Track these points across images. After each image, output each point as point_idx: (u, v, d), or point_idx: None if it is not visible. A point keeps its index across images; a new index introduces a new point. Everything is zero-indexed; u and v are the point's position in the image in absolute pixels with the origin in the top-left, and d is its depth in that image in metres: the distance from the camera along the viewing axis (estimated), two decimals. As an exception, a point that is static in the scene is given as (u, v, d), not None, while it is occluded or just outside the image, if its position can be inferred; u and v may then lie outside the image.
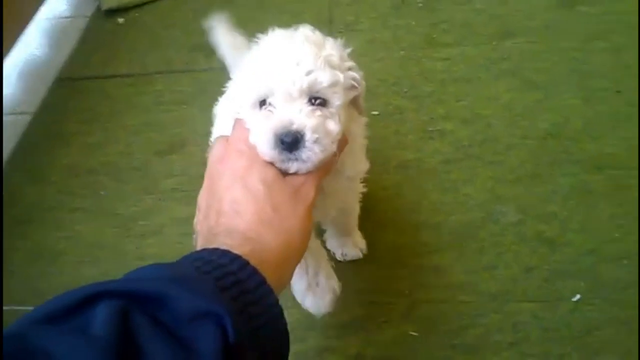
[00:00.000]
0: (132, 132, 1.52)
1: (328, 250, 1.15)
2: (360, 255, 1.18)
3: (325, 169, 0.69)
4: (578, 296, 1.07)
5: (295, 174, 0.66)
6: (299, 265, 0.86)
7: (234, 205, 0.60)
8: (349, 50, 0.77)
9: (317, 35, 0.74)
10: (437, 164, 1.31)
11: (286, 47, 0.69)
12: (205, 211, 0.64)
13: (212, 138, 1.12)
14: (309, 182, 0.66)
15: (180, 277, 0.45)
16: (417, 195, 1.26)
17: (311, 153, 0.66)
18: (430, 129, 1.38)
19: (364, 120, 0.86)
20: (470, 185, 1.26)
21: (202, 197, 0.67)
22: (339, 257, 1.17)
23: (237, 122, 0.71)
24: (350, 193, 0.99)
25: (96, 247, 1.28)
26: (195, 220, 0.68)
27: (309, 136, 0.66)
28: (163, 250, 1.27)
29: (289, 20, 1.70)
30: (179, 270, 0.48)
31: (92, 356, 0.36)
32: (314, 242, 0.93)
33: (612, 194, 1.20)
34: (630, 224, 1.15)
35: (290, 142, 0.65)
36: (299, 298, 0.93)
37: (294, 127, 0.66)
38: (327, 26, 1.68)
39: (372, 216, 1.05)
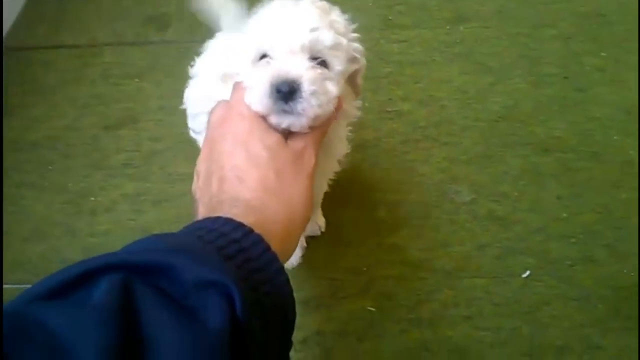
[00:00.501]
0: (79, 106, 1.46)
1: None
2: (319, 233, 1.18)
3: (322, 131, 0.67)
4: (528, 272, 1.12)
5: (293, 135, 0.64)
6: None
7: (236, 171, 0.58)
8: (354, 26, 0.76)
9: (323, 3, 0.73)
10: (396, 144, 1.32)
11: (291, 8, 0.68)
12: (205, 177, 0.61)
13: (185, 99, 1.10)
14: (309, 147, 0.64)
15: (183, 247, 0.44)
16: (376, 174, 1.28)
17: (307, 105, 0.64)
18: (389, 109, 1.39)
19: (357, 103, 0.84)
20: (427, 165, 1.29)
21: (202, 163, 0.64)
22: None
23: (237, 84, 0.68)
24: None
25: (45, 224, 1.23)
26: (194, 186, 0.65)
27: (305, 87, 0.64)
28: (115, 227, 1.23)
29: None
30: (181, 240, 0.46)
31: (92, 327, 0.35)
32: None
33: (560, 175, 1.25)
34: (577, 205, 1.20)
35: (286, 91, 0.63)
36: None
37: (291, 75, 0.64)
38: (284, 3, 1.65)
39: (332, 194, 1.04)
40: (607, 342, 1.03)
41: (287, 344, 0.51)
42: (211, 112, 0.67)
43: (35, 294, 0.38)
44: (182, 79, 1.45)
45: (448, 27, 1.56)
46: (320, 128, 0.67)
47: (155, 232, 1.17)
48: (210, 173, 0.60)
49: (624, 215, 1.18)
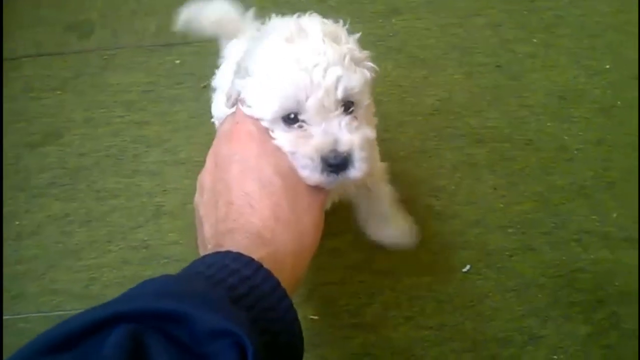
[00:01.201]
0: (-1, 124, 1.38)
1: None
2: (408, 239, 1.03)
3: None
4: (468, 266, 1.11)
5: None
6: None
7: (247, 198, 0.55)
8: (357, 36, 0.70)
9: (330, 25, 0.67)
10: (331, 144, 1.30)
11: (305, 47, 0.62)
12: (211, 195, 0.58)
13: (213, 113, 1.02)
14: None
15: (194, 292, 0.43)
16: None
17: (360, 172, 0.62)
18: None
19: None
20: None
21: (206, 177, 0.61)
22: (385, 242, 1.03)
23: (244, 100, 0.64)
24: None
25: (-36, 252, 1.16)
26: (196, 199, 0.62)
27: (357, 155, 0.61)
28: (42, 251, 1.17)
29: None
30: (192, 284, 0.45)
31: None
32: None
33: (495, 166, 1.25)
34: (513, 195, 1.20)
35: (339, 164, 0.61)
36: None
37: (343, 148, 0.61)
38: (212, 4, 1.60)
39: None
40: (548, 331, 1.04)
41: None
42: (220, 125, 0.65)
43: (39, 347, 0.36)
44: (107, 88, 1.40)
45: (381, 21, 1.54)
46: None
47: (85, 253, 1.13)
48: (217, 193, 0.58)
49: (560, 202, 1.19)
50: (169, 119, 1.34)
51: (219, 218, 0.56)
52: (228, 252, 0.49)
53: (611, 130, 1.30)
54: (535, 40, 1.48)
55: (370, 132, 0.65)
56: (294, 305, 0.48)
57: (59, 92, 1.42)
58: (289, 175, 0.59)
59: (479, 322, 1.05)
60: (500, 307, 1.07)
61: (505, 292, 1.08)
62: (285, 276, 0.49)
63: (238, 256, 0.48)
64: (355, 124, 0.63)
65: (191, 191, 1.19)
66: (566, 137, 1.29)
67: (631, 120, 1.32)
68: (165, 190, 1.23)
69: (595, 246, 1.13)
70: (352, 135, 0.62)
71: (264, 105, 0.62)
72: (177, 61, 1.45)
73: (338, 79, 0.61)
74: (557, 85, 1.38)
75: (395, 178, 1.23)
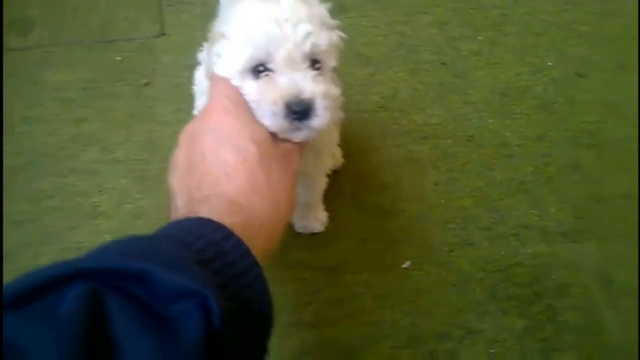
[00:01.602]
0: None
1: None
2: (322, 229, 1.14)
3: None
4: (408, 262, 1.11)
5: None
6: None
7: (222, 166, 0.55)
8: (328, 5, 0.74)
9: None
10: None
11: (278, 6, 0.66)
12: (185, 168, 0.58)
13: (195, 80, 1.02)
14: (296, 149, 0.63)
15: (159, 252, 0.42)
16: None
17: (322, 120, 0.65)
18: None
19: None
20: (307, 161, 1.26)
21: (178, 154, 0.60)
22: (298, 228, 1.13)
23: (217, 78, 0.65)
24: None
25: None
26: (169, 178, 0.61)
27: (320, 104, 0.65)
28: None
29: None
30: (157, 244, 0.44)
31: (56, 342, 0.33)
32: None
33: (437, 162, 1.25)
34: (454, 190, 1.21)
35: (302, 110, 0.64)
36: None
37: (306, 95, 0.64)
38: (157, 1, 1.57)
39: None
40: (485, 326, 1.04)
41: (264, 349, 0.50)
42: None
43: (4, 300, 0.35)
44: (46, 85, 1.36)
45: (328, 18, 1.54)
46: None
47: (18, 256, 1.09)
48: (192, 165, 0.57)
49: (500, 197, 1.20)
50: (108, 116, 1.31)
51: (193, 187, 0.56)
52: (199, 218, 0.49)
53: (551, 126, 1.32)
54: (480, 38, 1.50)
55: (334, 89, 0.69)
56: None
57: (-7, 91, 1.37)
58: (264, 146, 0.59)
59: (418, 318, 1.05)
60: (439, 302, 1.07)
61: (445, 287, 1.08)
62: (257, 244, 0.49)
63: (208, 222, 0.48)
64: (320, 78, 0.66)
65: (128, 191, 1.18)
66: (507, 134, 1.30)
67: (571, 116, 1.34)
68: (101, 190, 1.19)
69: (533, 241, 1.14)
70: (315, 86, 0.65)
71: (236, 57, 0.66)
72: (119, 58, 1.42)
73: (307, 34, 0.65)
74: (500, 82, 1.40)
75: (341, 175, 1.24)
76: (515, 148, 1.27)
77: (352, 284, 1.09)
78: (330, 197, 1.18)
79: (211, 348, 0.38)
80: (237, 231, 0.48)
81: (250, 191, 0.55)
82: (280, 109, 0.63)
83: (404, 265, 1.11)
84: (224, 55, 0.68)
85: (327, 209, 1.16)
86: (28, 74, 1.39)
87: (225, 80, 0.65)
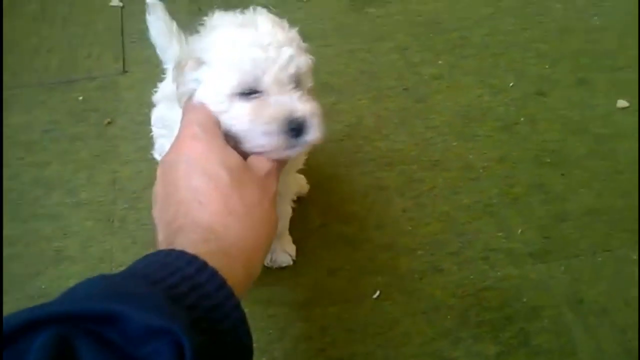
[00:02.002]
0: None
1: None
2: (291, 262, 1.13)
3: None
4: (378, 292, 1.10)
5: (255, 159, 0.64)
6: None
7: (195, 194, 0.54)
8: (296, 28, 0.77)
9: (275, 16, 0.74)
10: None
11: (257, 30, 0.69)
12: (163, 202, 0.57)
13: (152, 122, 1.03)
14: (273, 173, 0.63)
15: (130, 291, 0.41)
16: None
17: (316, 135, 0.69)
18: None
19: None
20: (273, 194, 1.25)
21: (157, 188, 0.60)
22: (267, 263, 1.11)
23: (189, 106, 0.65)
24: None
25: None
26: (153, 213, 0.60)
27: (312, 120, 0.69)
28: None
29: (79, 31, 1.58)
30: (128, 283, 0.43)
31: None
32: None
33: (403, 188, 1.25)
34: (421, 216, 1.21)
35: (297, 128, 0.67)
36: None
37: (299, 113, 0.68)
38: (119, 36, 1.57)
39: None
40: (458, 353, 1.03)
41: None
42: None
43: None
44: (7, 129, 1.35)
45: (291, 48, 1.54)
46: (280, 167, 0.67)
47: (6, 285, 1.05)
48: (167, 196, 0.57)
49: (467, 221, 1.21)
50: (70, 158, 1.29)
51: (170, 219, 0.55)
52: (171, 250, 0.48)
53: (514, 147, 1.33)
54: (440, 62, 1.52)
55: (317, 108, 0.72)
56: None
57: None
58: (236, 170, 0.58)
59: (391, 349, 1.04)
60: (411, 331, 1.06)
61: (416, 316, 1.08)
62: (237, 269, 0.49)
63: (181, 253, 0.47)
64: (304, 98, 0.71)
65: (93, 234, 1.16)
66: (471, 156, 1.31)
67: (533, 135, 1.36)
68: (65, 234, 1.17)
69: (501, 263, 1.14)
70: (305, 105, 0.69)
71: (222, 83, 0.68)
72: (80, 97, 1.41)
73: (291, 57, 0.69)
74: (462, 105, 1.41)
75: (308, 205, 1.23)
76: (480, 170, 1.28)
77: (322, 317, 1.07)
78: (298, 229, 1.18)
79: None
80: (214, 259, 0.47)
81: (225, 217, 0.54)
82: (275, 127, 0.67)
83: (374, 296, 1.10)
84: (206, 82, 0.69)
85: (295, 241, 1.15)
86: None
87: (197, 108, 0.65)
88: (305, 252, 1.16)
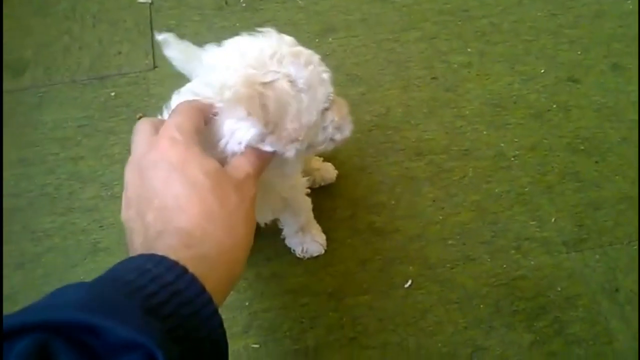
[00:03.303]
0: None
1: (288, 249, 1.15)
2: (322, 251, 1.15)
3: (266, 159, 0.68)
4: (409, 282, 1.10)
5: (234, 164, 0.64)
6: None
7: (175, 200, 0.54)
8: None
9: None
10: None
11: (305, 51, 0.74)
12: (138, 205, 0.57)
13: None
14: (251, 177, 0.62)
15: (106, 302, 0.42)
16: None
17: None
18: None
19: None
20: (302, 185, 1.25)
21: (130, 189, 0.59)
22: (299, 254, 1.14)
23: (182, 107, 0.63)
24: (290, 190, 0.97)
25: None
26: (124, 215, 0.60)
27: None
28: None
29: (109, 29, 1.60)
30: (104, 292, 0.43)
31: None
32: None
33: (433, 178, 1.25)
34: (452, 206, 1.20)
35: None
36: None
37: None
38: (149, 32, 1.59)
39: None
40: (492, 342, 1.03)
41: None
42: (135, 132, 0.62)
43: None
44: (42, 126, 1.38)
45: (317, 40, 1.54)
46: (265, 158, 0.68)
47: (21, 297, 1.09)
48: (144, 200, 0.56)
49: (498, 210, 1.19)
50: (103, 152, 1.32)
51: (148, 224, 0.55)
52: (152, 255, 0.48)
53: (547, 134, 1.31)
54: (469, 50, 1.50)
55: None
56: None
57: (-9, 133, 1.39)
58: (216, 175, 0.57)
59: (423, 338, 1.04)
60: (443, 320, 1.06)
61: (448, 305, 1.07)
62: (218, 272, 0.49)
63: (162, 259, 0.47)
64: None
65: (127, 225, 1.18)
66: (502, 145, 1.29)
67: (566, 122, 1.33)
68: (101, 227, 1.20)
69: (535, 252, 1.13)
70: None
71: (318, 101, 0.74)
72: (112, 93, 1.43)
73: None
74: (492, 93, 1.39)
75: (336, 196, 1.24)
76: (512, 159, 1.27)
77: (354, 306, 1.08)
78: (327, 220, 1.18)
79: None
80: (195, 264, 0.47)
81: (206, 221, 0.54)
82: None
83: (405, 285, 1.10)
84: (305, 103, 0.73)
85: (324, 232, 1.16)
86: (24, 116, 1.41)
87: (183, 111, 0.62)
88: (336, 243, 1.16)
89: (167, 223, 0.54)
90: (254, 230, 0.60)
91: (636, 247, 1.13)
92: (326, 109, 0.77)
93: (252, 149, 0.66)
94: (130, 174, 0.60)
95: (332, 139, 0.82)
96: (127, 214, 0.59)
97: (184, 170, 0.56)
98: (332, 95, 0.77)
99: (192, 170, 0.56)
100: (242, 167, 0.63)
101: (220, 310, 0.48)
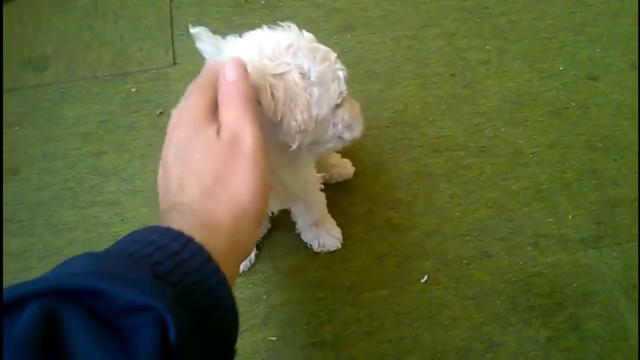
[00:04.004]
0: (-44, 162, 1.38)
1: (305, 244, 1.16)
2: (339, 245, 1.16)
3: (250, 97, 0.60)
4: (426, 277, 1.11)
5: (223, 118, 0.58)
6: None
7: (178, 181, 0.54)
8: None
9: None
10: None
11: (323, 48, 0.75)
12: (161, 186, 0.58)
13: None
14: (241, 126, 0.56)
15: (115, 269, 0.41)
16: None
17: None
18: (277, 128, 1.37)
19: None
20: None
21: (159, 172, 0.60)
22: (316, 248, 1.15)
23: (197, 89, 0.61)
24: (302, 185, 0.97)
25: None
26: (160, 179, 0.60)
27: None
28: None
29: (130, 25, 1.63)
30: (112, 261, 0.43)
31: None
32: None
33: (451, 174, 1.25)
34: (469, 202, 1.21)
35: None
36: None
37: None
38: (169, 29, 1.61)
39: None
40: (508, 338, 1.03)
41: (231, 354, 0.49)
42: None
43: None
44: (64, 121, 1.41)
45: (336, 37, 1.56)
46: (245, 98, 0.59)
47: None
48: (165, 174, 0.57)
49: (516, 207, 1.19)
50: (125, 147, 1.34)
51: (162, 199, 0.56)
52: (156, 227, 0.48)
53: (565, 132, 1.31)
54: (488, 47, 1.50)
55: None
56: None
57: (16, 128, 1.41)
58: (209, 147, 0.55)
59: (438, 333, 1.04)
60: (459, 316, 1.06)
61: (464, 301, 1.08)
62: (222, 246, 0.48)
63: (166, 230, 0.47)
64: None
65: (148, 219, 1.20)
66: (520, 142, 1.29)
67: (584, 120, 1.33)
68: (123, 220, 1.22)
69: (552, 249, 1.13)
70: None
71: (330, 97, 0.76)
72: (133, 89, 1.45)
73: None
74: (511, 90, 1.40)
75: (353, 192, 1.25)
76: (530, 156, 1.27)
77: (371, 301, 1.09)
78: (345, 215, 1.19)
79: (168, 359, 0.38)
80: (201, 235, 0.47)
81: (202, 196, 0.53)
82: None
83: (422, 280, 1.10)
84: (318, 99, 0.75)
85: (342, 228, 1.17)
86: (47, 111, 1.44)
87: (200, 93, 0.60)
88: (353, 238, 1.17)
89: (172, 201, 0.53)
90: (263, 192, 0.56)
91: (655, 245, 1.12)
92: (338, 106, 0.78)
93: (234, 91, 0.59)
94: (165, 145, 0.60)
95: (340, 137, 0.82)
96: (160, 178, 0.59)
97: (185, 150, 0.56)
98: (345, 93, 0.77)
99: (190, 150, 0.55)
100: (229, 123, 0.57)
101: (235, 292, 0.48)
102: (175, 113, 0.62)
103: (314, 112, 0.73)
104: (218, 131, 0.56)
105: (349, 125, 0.82)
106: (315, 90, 0.73)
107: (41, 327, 0.35)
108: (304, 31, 0.76)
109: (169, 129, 0.61)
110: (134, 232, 0.48)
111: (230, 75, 0.59)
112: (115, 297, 0.38)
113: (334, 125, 0.80)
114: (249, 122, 0.56)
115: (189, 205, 0.52)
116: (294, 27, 0.75)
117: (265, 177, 0.56)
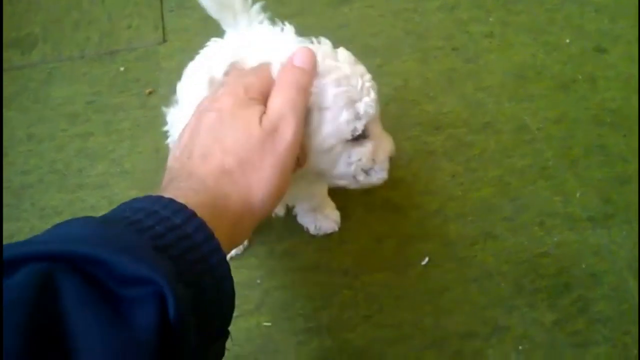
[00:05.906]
0: (-61, 147, 1.33)
1: (301, 227, 1.11)
2: (336, 228, 1.11)
3: (304, 89, 0.60)
4: (427, 259, 1.06)
5: (270, 102, 0.58)
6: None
7: (203, 149, 0.54)
8: None
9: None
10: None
11: (354, 68, 0.67)
12: (184, 148, 0.56)
13: (169, 125, 0.91)
14: (285, 117, 0.56)
15: (115, 238, 0.40)
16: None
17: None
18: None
19: None
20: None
21: (185, 133, 0.58)
22: (312, 231, 1.10)
23: (254, 71, 0.62)
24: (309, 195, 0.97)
25: None
26: (170, 156, 0.59)
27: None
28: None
29: (119, 3, 1.57)
30: (112, 229, 0.42)
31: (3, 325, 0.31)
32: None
33: (452, 152, 1.20)
34: (472, 181, 1.16)
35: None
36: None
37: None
38: (158, 4, 1.55)
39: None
40: (513, 321, 0.98)
41: (224, 334, 0.49)
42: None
43: None
44: (51, 102, 1.36)
45: (332, 11, 1.50)
46: (301, 89, 0.59)
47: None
48: (190, 144, 0.56)
49: (520, 185, 1.14)
50: (113, 128, 1.29)
51: (179, 166, 0.54)
52: (160, 197, 0.46)
53: (572, 106, 1.25)
54: (491, 20, 1.44)
55: None
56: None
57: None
58: (257, 137, 0.54)
59: (440, 316, 1.00)
60: (461, 299, 1.02)
61: (467, 283, 1.03)
62: (221, 230, 0.47)
63: (170, 202, 0.45)
64: None
65: (137, 202, 1.16)
66: (526, 117, 1.24)
67: (592, 94, 1.27)
68: (111, 203, 1.18)
69: (558, 228, 1.08)
70: None
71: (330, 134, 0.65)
72: (122, 68, 1.40)
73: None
74: (515, 64, 1.34)
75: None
76: (535, 132, 1.21)
77: (369, 284, 1.04)
78: (342, 197, 1.14)
79: (165, 335, 0.37)
80: (202, 211, 0.46)
81: (220, 173, 0.52)
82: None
83: (422, 263, 1.06)
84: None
85: (340, 209, 1.12)
86: (33, 92, 1.39)
87: (260, 77, 0.60)
88: (351, 220, 1.13)
89: (189, 167, 0.53)
90: (279, 193, 0.56)
91: (666, 223, 1.08)
92: (356, 143, 0.68)
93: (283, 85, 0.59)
94: (191, 119, 0.59)
95: (354, 177, 0.73)
96: (172, 154, 0.58)
97: (223, 122, 0.55)
98: (360, 131, 0.67)
99: (225, 130, 0.55)
100: (275, 109, 0.57)
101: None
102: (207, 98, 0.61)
103: (311, 141, 0.64)
104: (262, 116, 0.55)
105: (366, 169, 0.72)
106: (315, 115, 0.63)
107: (35, 292, 0.34)
108: (341, 49, 0.70)
109: (206, 100, 0.60)
110: (135, 200, 0.47)
111: (298, 61, 0.60)
112: (115, 267, 0.37)
113: (348, 164, 0.70)
114: (293, 116, 0.56)
115: (203, 178, 0.51)
116: (328, 44, 0.69)
117: (285, 186, 0.56)
